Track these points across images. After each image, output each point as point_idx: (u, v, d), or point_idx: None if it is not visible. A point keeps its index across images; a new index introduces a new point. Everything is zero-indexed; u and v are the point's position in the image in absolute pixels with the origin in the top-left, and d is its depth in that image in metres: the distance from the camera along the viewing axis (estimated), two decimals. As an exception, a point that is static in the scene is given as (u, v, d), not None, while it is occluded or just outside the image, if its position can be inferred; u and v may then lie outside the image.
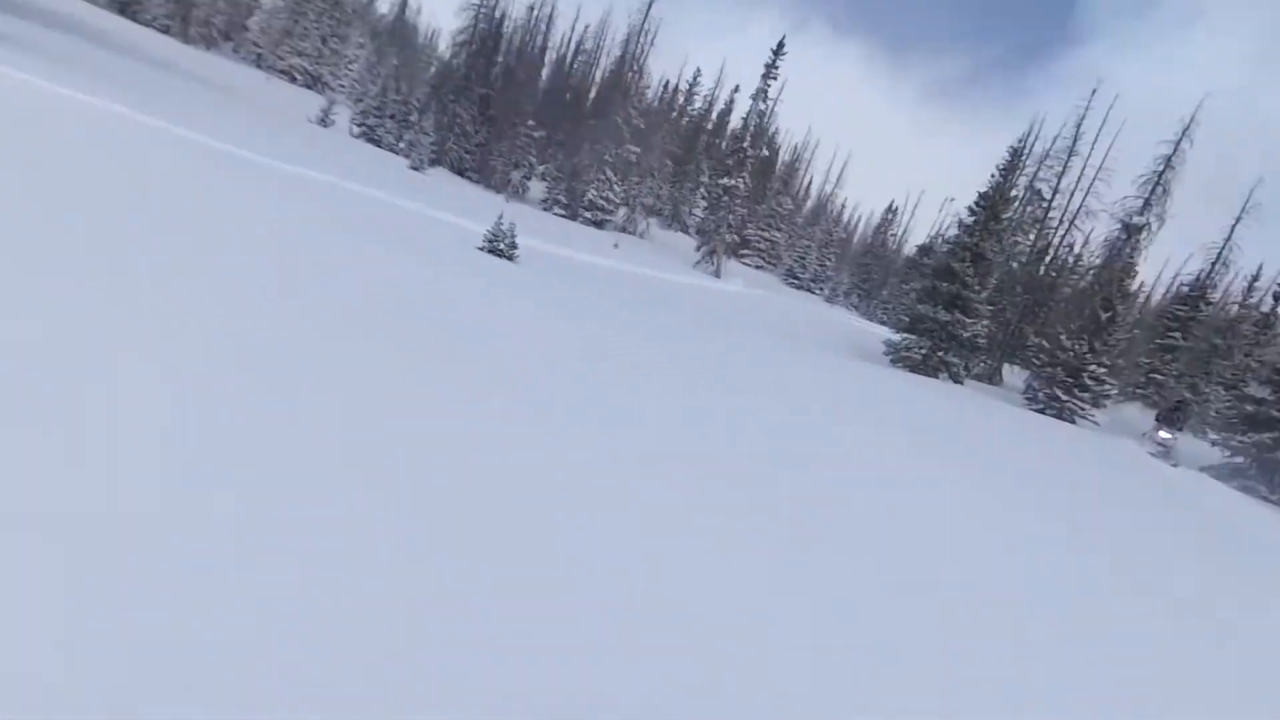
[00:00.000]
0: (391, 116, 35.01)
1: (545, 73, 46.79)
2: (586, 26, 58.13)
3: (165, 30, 39.56)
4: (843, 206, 62.01)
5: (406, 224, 11.80)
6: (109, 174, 6.80)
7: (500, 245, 12.02)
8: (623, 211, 36.33)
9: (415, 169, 27.04)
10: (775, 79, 31.79)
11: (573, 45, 48.89)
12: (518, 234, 12.31)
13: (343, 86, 45.42)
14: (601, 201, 35.07)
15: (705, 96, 50.88)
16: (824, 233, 49.92)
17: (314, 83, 44.55)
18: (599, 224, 34.71)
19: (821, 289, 46.21)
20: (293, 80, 43.48)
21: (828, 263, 48.03)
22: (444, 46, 48.93)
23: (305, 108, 33.31)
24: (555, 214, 33.78)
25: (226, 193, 8.02)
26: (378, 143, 34.39)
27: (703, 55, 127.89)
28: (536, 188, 37.33)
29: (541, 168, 39.22)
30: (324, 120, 30.67)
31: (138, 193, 6.47)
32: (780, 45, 31.24)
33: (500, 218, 12.29)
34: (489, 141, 35.76)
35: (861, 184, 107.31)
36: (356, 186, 13.60)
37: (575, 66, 48.85)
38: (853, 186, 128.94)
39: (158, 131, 10.71)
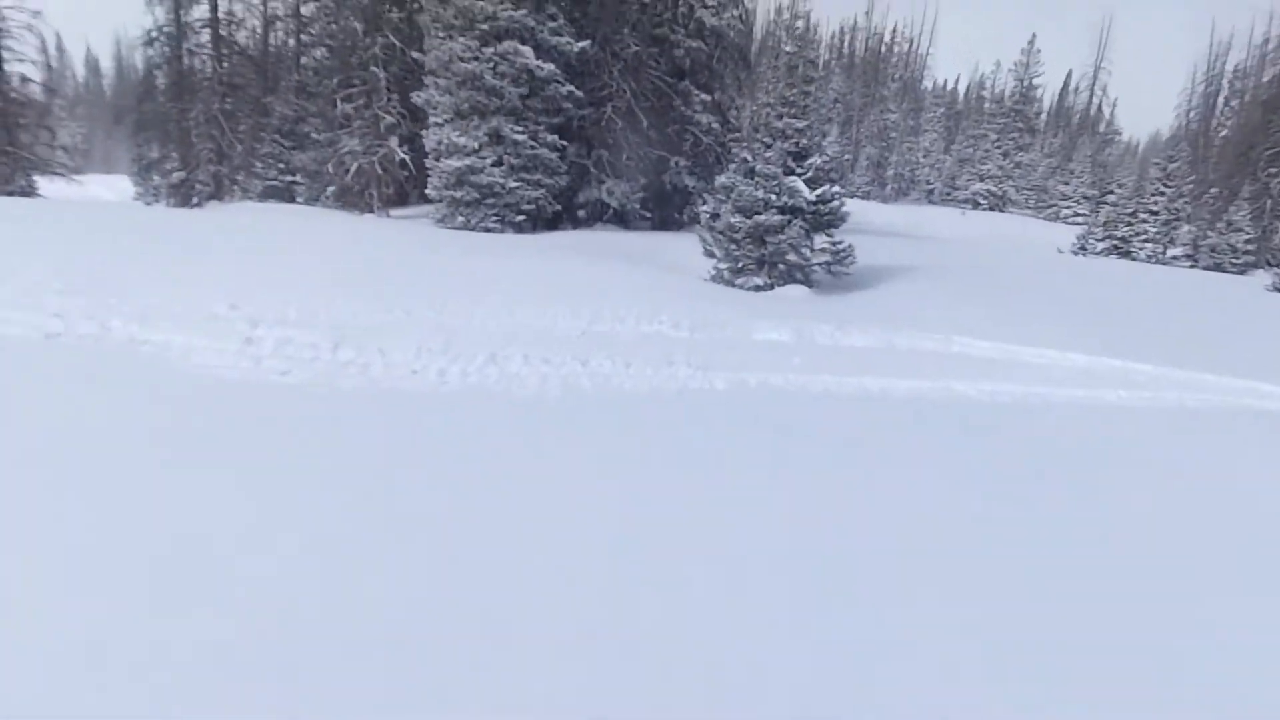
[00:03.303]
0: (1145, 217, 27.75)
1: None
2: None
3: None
4: None
5: None
6: None
7: None
8: None
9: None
10: None
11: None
12: None
13: (1025, 195, 40.88)
14: None
15: None
16: None
17: (1000, 203, 41.32)
18: None
19: None
20: (976, 206, 41.13)
21: None
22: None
23: (1026, 239, 29.27)
24: None
25: None
26: (1130, 255, 27.60)
27: None
28: None
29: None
30: (1083, 248, 25.62)
31: None
32: None
33: None
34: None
35: None
36: None
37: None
38: None
39: None
